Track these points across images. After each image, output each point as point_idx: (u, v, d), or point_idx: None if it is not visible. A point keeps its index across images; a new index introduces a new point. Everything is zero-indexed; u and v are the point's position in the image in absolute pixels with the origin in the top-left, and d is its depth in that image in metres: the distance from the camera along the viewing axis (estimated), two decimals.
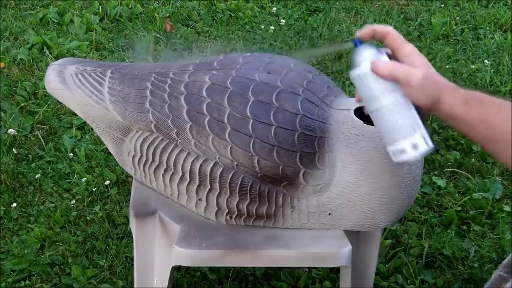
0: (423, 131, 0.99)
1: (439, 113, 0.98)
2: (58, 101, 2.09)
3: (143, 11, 3.03)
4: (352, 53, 1.00)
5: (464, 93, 0.97)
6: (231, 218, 1.28)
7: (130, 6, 3.06)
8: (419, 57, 0.99)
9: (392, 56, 1.01)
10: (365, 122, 1.23)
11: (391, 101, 0.98)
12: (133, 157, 1.35)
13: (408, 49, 0.99)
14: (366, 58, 0.99)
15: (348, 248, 1.28)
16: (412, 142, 0.98)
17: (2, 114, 2.29)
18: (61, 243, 1.82)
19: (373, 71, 0.97)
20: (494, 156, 0.97)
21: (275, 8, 3.12)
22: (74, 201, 1.96)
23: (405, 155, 0.99)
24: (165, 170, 1.29)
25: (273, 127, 1.20)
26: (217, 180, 1.24)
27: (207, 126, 1.23)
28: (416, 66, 0.97)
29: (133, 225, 1.34)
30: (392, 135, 0.99)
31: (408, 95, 0.98)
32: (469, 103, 0.95)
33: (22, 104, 2.35)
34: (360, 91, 1.02)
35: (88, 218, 1.90)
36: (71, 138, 2.19)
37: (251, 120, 1.20)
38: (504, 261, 1.11)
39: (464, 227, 1.94)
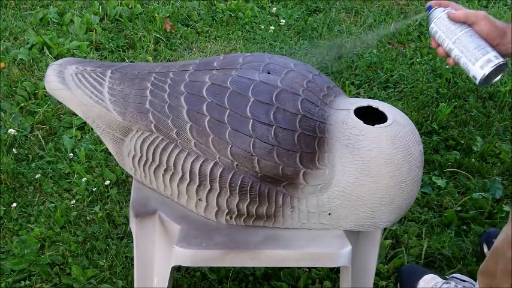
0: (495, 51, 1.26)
1: (505, 41, 1.23)
2: (58, 101, 2.09)
3: (143, 11, 3.03)
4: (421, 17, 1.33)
5: None
6: (231, 218, 1.29)
7: (130, 6, 3.06)
8: (476, 11, 1.28)
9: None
10: (365, 122, 1.23)
11: (466, 31, 1.26)
12: (134, 157, 1.35)
13: (466, 9, 1.28)
14: (440, 12, 1.30)
15: (348, 248, 1.28)
16: (494, 54, 1.23)
17: (2, 114, 2.29)
18: (61, 243, 1.82)
19: (450, 17, 1.27)
20: None
21: (275, 8, 3.12)
22: (74, 201, 1.96)
23: (491, 63, 1.22)
24: (165, 170, 1.29)
25: (273, 127, 1.20)
26: (217, 180, 1.24)
27: (207, 126, 1.23)
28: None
29: (133, 225, 1.34)
30: (477, 52, 1.23)
31: (480, 30, 1.25)
32: None
33: (22, 104, 2.35)
34: (438, 34, 1.30)
35: (88, 218, 1.90)
36: (71, 138, 2.19)
37: (251, 120, 1.20)
38: None
39: (464, 227, 1.94)
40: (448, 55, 1.30)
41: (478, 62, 1.23)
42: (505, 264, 1.25)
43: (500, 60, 1.23)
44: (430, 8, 1.34)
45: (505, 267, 1.26)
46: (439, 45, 1.30)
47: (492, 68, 1.23)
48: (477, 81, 1.25)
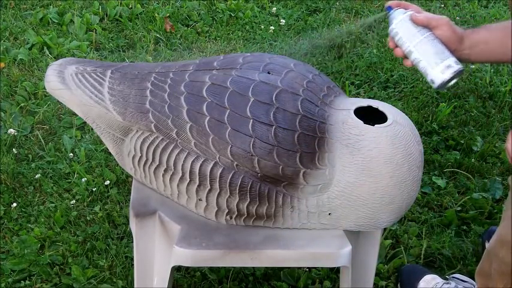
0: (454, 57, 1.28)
1: (463, 47, 1.26)
2: (58, 101, 2.09)
3: (143, 11, 3.03)
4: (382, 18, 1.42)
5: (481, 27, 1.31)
6: (231, 218, 1.29)
7: (130, 6, 3.06)
8: (438, 16, 1.30)
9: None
10: (365, 122, 1.23)
11: (427, 35, 1.27)
12: (134, 157, 1.35)
13: (428, 13, 1.30)
14: (401, 14, 1.30)
15: (348, 248, 1.28)
16: (454, 60, 1.25)
17: (2, 114, 2.29)
18: (61, 243, 1.82)
19: (413, 19, 1.27)
20: None
21: (275, 8, 3.12)
22: (74, 201, 1.96)
23: (451, 69, 1.24)
24: (165, 170, 1.29)
25: (273, 127, 1.20)
26: (217, 180, 1.24)
27: (207, 126, 1.23)
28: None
29: (133, 225, 1.34)
30: (438, 57, 1.25)
31: (440, 35, 1.26)
32: (488, 29, 1.29)
33: (22, 104, 2.35)
34: (399, 36, 1.29)
35: (88, 218, 1.90)
36: (71, 138, 2.19)
37: (251, 120, 1.20)
38: None
39: (464, 227, 1.94)
40: (406, 57, 1.30)
41: (438, 67, 1.25)
42: (499, 264, 1.26)
43: (459, 66, 1.25)
44: (390, 8, 1.33)
45: (498, 267, 1.26)
46: (396, 46, 1.31)
47: (452, 74, 1.24)
48: (435, 86, 1.26)
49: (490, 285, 1.31)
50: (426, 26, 1.27)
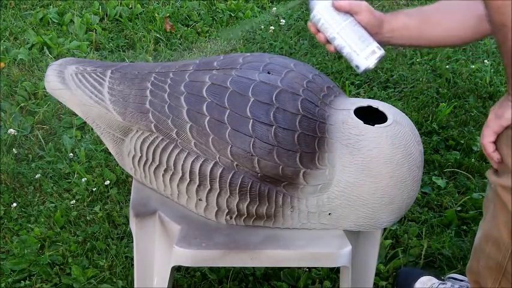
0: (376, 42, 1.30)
1: (384, 31, 1.29)
2: (58, 101, 2.09)
3: (143, 11, 3.03)
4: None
5: (402, 11, 1.33)
6: (231, 218, 1.29)
7: (130, 6, 3.06)
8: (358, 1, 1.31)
9: None
10: (365, 122, 1.23)
11: (350, 21, 1.28)
12: (134, 157, 1.35)
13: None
14: (322, 1, 1.31)
15: (348, 248, 1.28)
16: (376, 45, 1.27)
17: (2, 114, 2.29)
18: (61, 243, 1.82)
19: (335, 6, 1.27)
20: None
21: (275, 8, 3.12)
22: (74, 201, 1.96)
23: (375, 55, 1.26)
24: (165, 170, 1.29)
25: (273, 127, 1.20)
26: (217, 180, 1.24)
27: (207, 126, 1.23)
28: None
29: (133, 225, 1.34)
30: (361, 43, 1.27)
31: (361, 20, 1.27)
32: (407, 14, 1.31)
33: (22, 104, 2.35)
34: (321, 22, 1.30)
35: (88, 218, 1.90)
36: (71, 138, 2.19)
37: (251, 120, 1.20)
38: None
39: (464, 227, 1.94)
40: (329, 42, 1.31)
41: (363, 53, 1.27)
42: (486, 260, 1.26)
43: (382, 51, 1.28)
44: None
45: (485, 263, 1.26)
46: (318, 31, 1.31)
47: (376, 60, 1.26)
48: (359, 70, 1.29)
49: (480, 281, 1.31)
50: (348, 12, 1.28)
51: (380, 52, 1.27)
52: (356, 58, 1.28)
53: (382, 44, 1.30)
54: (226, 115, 1.22)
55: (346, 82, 2.56)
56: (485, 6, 1.07)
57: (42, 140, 2.20)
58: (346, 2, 1.28)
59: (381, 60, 1.29)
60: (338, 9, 1.28)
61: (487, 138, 1.18)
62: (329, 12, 1.29)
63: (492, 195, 1.23)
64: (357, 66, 1.29)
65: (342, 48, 1.29)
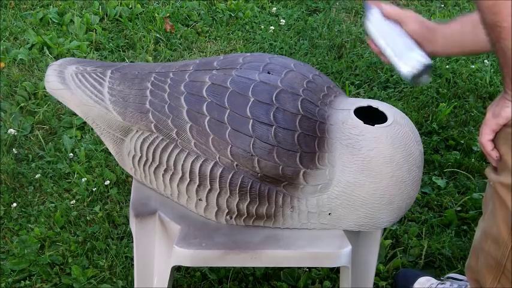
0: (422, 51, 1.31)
1: (437, 38, 1.28)
2: (58, 101, 2.09)
3: (143, 11, 3.03)
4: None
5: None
6: (231, 218, 1.29)
7: (130, 6, 3.06)
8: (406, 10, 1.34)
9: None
10: (365, 122, 1.23)
11: (397, 30, 1.30)
12: (134, 157, 1.35)
13: (398, 9, 1.34)
14: (375, 11, 1.34)
15: (348, 248, 1.28)
16: (421, 54, 1.27)
17: (2, 114, 2.29)
18: (61, 243, 1.82)
19: (384, 14, 1.31)
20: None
21: (275, 8, 3.12)
22: (74, 201, 1.96)
23: (419, 62, 1.26)
24: (165, 170, 1.29)
25: (273, 127, 1.20)
26: (217, 180, 1.24)
27: (207, 126, 1.23)
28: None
29: (133, 225, 1.34)
30: (407, 52, 1.28)
31: (409, 30, 1.29)
32: (458, 21, 1.29)
33: (22, 104, 2.35)
34: (374, 31, 1.33)
35: (88, 218, 1.90)
36: (71, 138, 2.19)
37: (251, 120, 1.20)
38: None
39: (465, 227, 1.94)
40: (382, 53, 1.33)
41: (408, 62, 1.27)
42: (485, 258, 1.26)
43: (428, 60, 1.27)
44: (369, 6, 1.37)
45: (485, 261, 1.27)
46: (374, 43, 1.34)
47: (422, 68, 1.26)
48: (407, 80, 1.29)
49: (479, 279, 1.31)
50: (397, 21, 1.30)
51: (424, 61, 1.26)
52: (402, 67, 1.28)
53: (436, 54, 1.29)
54: (226, 115, 1.22)
55: (346, 82, 2.56)
56: (477, 7, 1.07)
57: (42, 140, 2.20)
58: (394, 9, 1.31)
59: (429, 70, 1.28)
60: (386, 16, 1.31)
61: (485, 137, 1.19)
62: (379, 23, 1.32)
63: (491, 193, 1.23)
64: (403, 75, 1.29)
65: (390, 57, 1.30)
